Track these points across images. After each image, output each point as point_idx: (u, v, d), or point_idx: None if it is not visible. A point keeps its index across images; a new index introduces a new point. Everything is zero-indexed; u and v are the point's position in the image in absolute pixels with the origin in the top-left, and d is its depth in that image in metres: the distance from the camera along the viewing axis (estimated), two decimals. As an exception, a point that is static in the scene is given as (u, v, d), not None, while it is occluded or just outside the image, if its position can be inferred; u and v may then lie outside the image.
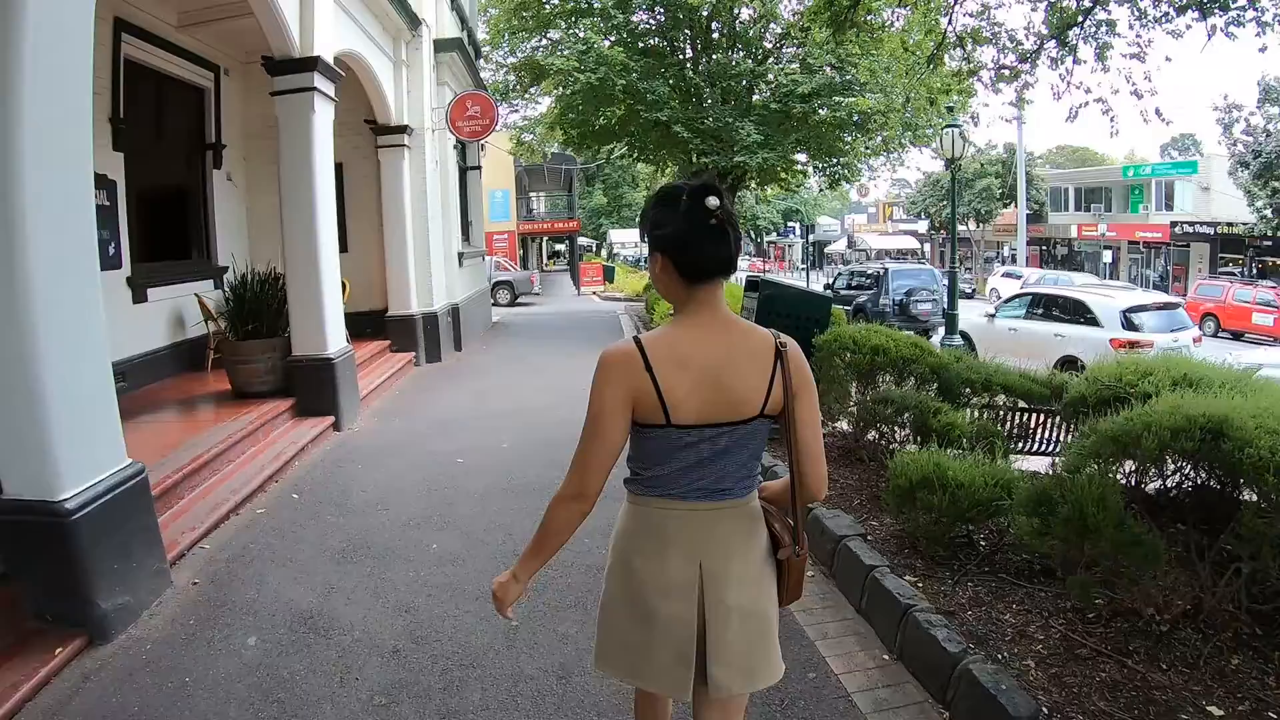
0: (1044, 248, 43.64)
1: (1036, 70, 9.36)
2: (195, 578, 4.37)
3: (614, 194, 58.82)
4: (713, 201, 1.78)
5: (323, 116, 7.42)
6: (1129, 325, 12.00)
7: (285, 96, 7.21)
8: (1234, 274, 31.82)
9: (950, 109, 16.82)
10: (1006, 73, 9.52)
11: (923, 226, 52.53)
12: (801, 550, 1.94)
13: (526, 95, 21.20)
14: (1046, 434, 6.20)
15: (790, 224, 61.05)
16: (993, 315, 14.69)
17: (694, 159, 16.74)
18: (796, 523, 1.94)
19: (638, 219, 3.23)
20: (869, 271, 21.67)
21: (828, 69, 16.23)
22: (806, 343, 5.94)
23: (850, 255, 57.37)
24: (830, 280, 25.40)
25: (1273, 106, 25.20)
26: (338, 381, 7.44)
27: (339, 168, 9.75)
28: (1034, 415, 6.22)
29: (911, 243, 55.00)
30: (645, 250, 49.15)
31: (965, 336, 14.48)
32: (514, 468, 6.35)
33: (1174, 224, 35.08)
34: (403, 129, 10.97)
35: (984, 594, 3.73)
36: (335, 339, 7.59)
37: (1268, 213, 27.77)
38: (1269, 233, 28.78)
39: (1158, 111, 8.53)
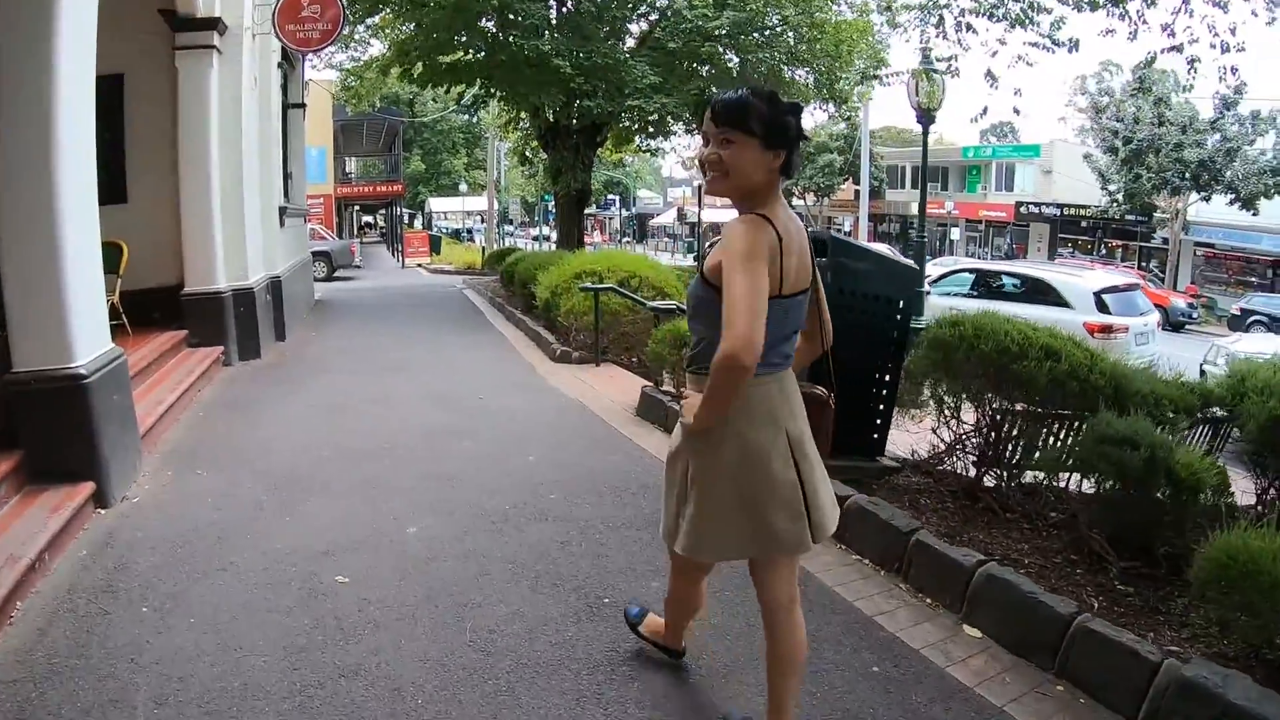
0: (877, 224, 44.44)
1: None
2: None
3: (432, 160, 54.70)
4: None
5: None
6: (1103, 308, 10.93)
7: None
8: (1072, 254, 33.61)
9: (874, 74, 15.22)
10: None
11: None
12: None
13: (354, 39, 17.60)
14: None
15: (610, 196, 59.05)
16: (924, 293, 13.05)
17: (576, 102, 13.87)
18: (831, 374, 2.38)
19: (756, 112, 1.97)
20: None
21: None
22: (886, 335, 4.73)
23: (678, 229, 57.39)
24: (697, 255, 23.47)
25: (1142, 98, 25.81)
26: (95, 414, 4.19)
27: (115, 80, 7.69)
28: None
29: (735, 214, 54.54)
30: (473, 220, 46.39)
31: None
32: (459, 594, 3.40)
33: (1019, 204, 36.99)
34: (212, 23, 7.59)
35: None
36: (90, 339, 4.36)
37: (1120, 196, 28.74)
38: (1120, 215, 30.02)
39: (1234, 69, 7.22)
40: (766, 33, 14.16)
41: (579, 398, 7.24)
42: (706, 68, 14.98)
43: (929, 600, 3.46)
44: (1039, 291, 11.38)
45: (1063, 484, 4.23)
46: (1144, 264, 32.18)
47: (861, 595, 3.52)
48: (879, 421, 4.91)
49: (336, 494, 4.54)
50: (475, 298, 16.33)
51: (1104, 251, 34.30)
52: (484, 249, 29.59)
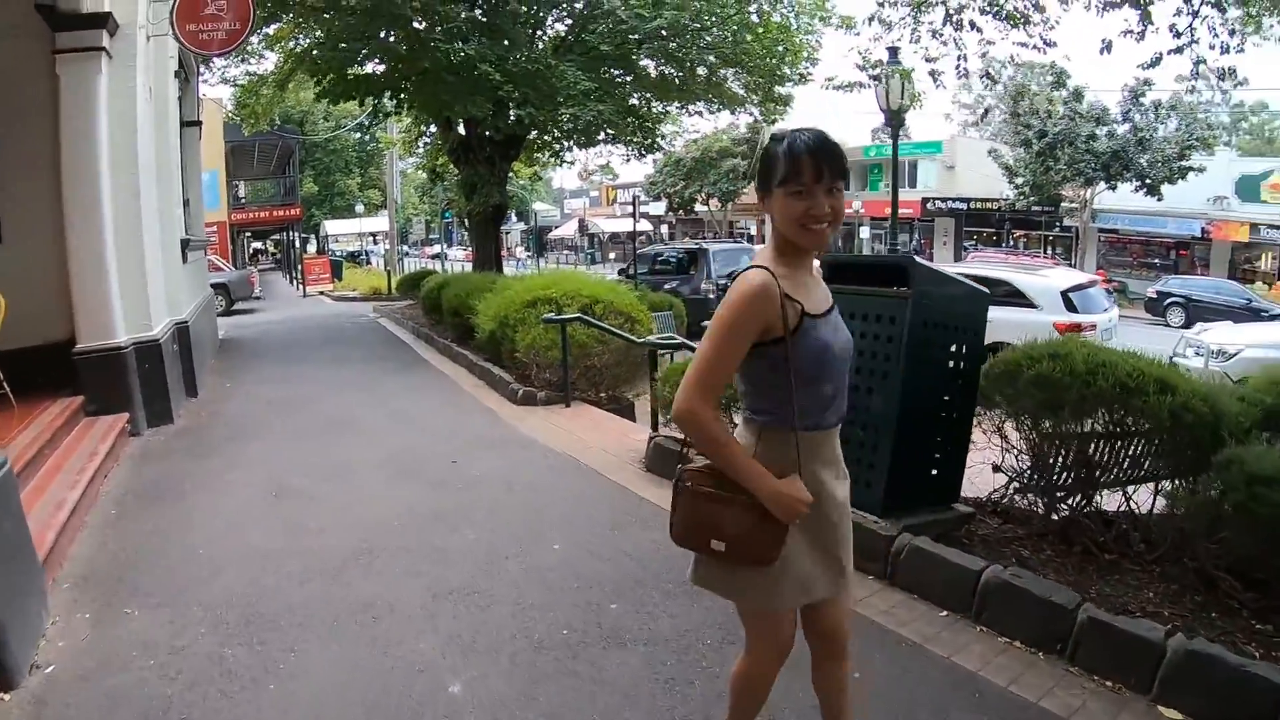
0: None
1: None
2: None
3: (325, 181, 52.18)
4: None
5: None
6: (1070, 306, 10.57)
7: None
8: (976, 246, 34.48)
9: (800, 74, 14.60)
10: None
11: (659, 208, 51.96)
12: None
13: (249, 50, 15.99)
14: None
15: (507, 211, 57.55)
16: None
17: (508, 110, 12.69)
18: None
19: (841, 156, 1.87)
20: (676, 253, 18.68)
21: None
22: (960, 369, 4.20)
23: (578, 240, 57.17)
24: (626, 265, 22.59)
25: (1058, 91, 26.42)
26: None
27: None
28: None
29: (645, 225, 54.31)
30: (365, 242, 44.63)
31: None
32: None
33: (925, 200, 37.33)
34: (101, 20, 6.25)
35: None
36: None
37: (1026, 189, 29.29)
38: (1027, 207, 30.66)
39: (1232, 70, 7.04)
40: (707, 35, 13.31)
41: (567, 451, 6.16)
42: (638, 70, 14.10)
43: (1109, 683, 2.96)
44: (1006, 294, 10.70)
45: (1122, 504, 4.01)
46: (1048, 252, 33.03)
47: (1040, 690, 2.91)
48: (952, 465, 4.30)
49: (325, 634, 3.33)
50: (395, 328, 14.96)
51: (1011, 242, 35.07)
52: (389, 272, 27.85)
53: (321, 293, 27.49)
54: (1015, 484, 4.28)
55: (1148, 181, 26.69)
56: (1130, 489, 4.00)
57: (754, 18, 13.72)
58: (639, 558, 4.09)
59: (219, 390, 8.91)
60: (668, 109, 16.64)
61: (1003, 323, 10.27)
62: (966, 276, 11.32)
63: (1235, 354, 9.86)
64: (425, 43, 12.17)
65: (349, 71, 13.56)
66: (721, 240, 27.34)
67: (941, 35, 8.48)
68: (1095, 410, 3.77)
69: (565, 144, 16.55)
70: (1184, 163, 26.34)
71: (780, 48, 13.93)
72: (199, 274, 11.17)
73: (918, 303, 3.96)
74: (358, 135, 51.62)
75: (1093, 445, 3.87)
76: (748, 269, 1.92)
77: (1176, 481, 3.79)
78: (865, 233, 40.75)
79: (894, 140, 10.90)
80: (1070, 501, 4.03)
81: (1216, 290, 23.55)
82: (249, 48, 16.01)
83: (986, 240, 36.54)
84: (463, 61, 12.06)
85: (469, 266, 33.06)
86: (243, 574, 3.92)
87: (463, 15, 11.83)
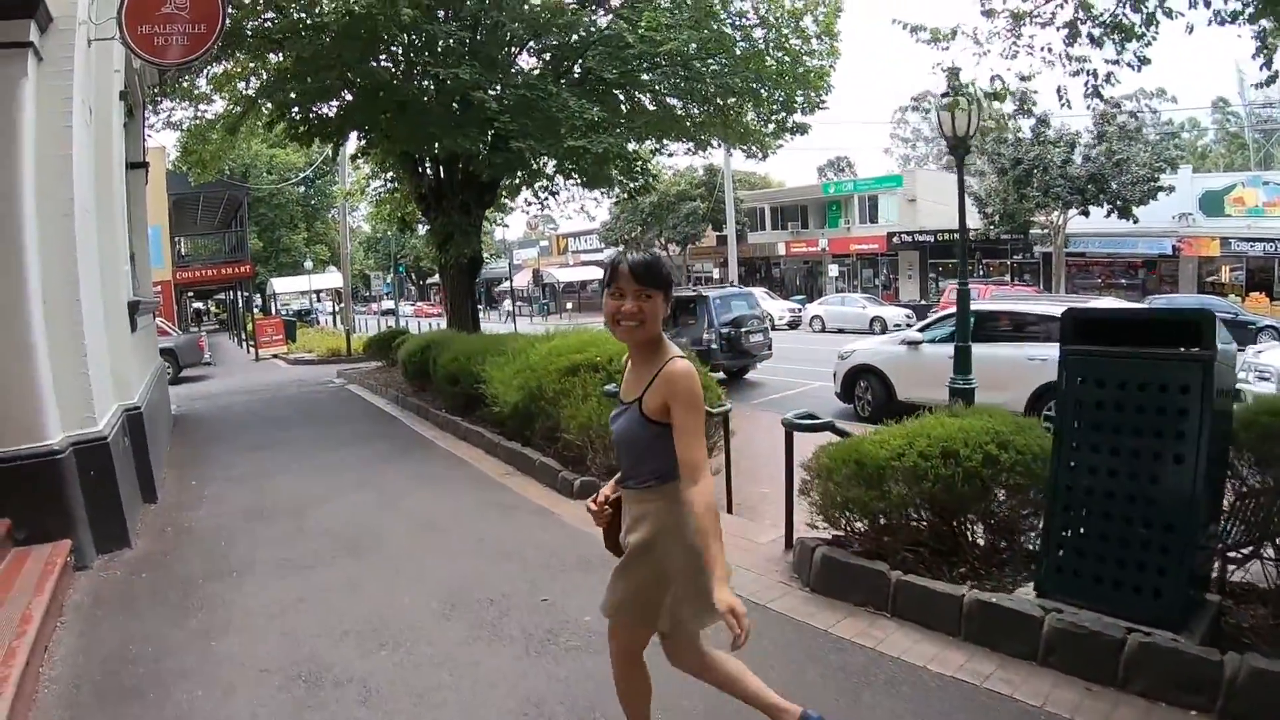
0: (743, 268, 43.79)
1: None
2: None
3: (270, 237, 49.91)
4: None
5: None
6: None
7: None
8: (936, 280, 35.00)
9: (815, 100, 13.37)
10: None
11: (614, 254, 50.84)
12: None
13: (195, 92, 14.17)
14: None
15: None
16: (916, 342, 11.19)
17: (506, 144, 11.01)
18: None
19: (664, 271, 2.39)
20: (676, 299, 17.24)
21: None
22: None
23: (531, 290, 56.75)
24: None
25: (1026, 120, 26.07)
26: None
27: None
28: None
29: (599, 273, 53.45)
30: (320, 299, 42.86)
31: (872, 371, 11.38)
32: None
33: (890, 234, 37.42)
34: (29, 8, 4.57)
35: None
36: None
37: (996, 218, 29.27)
38: (997, 236, 30.82)
39: None
40: (722, 59, 11.98)
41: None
42: (647, 98, 12.71)
43: None
44: (1054, 330, 9.82)
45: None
46: (1018, 279, 33.20)
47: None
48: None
49: None
50: (373, 397, 13.14)
51: (984, 273, 34.81)
52: (347, 331, 25.83)
53: (275, 356, 25.51)
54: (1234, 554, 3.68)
55: (1118, 204, 26.53)
56: None
57: (761, 45, 12.47)
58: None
59: (183, 490, 7.06)
60: (659, 146, 15.24)
61: (1057, 361, 9.34)
62: (1015, 317, 10.01)
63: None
64: (412, 66, 10.59)
65: (312, 108, 11.91)
66: (720, 286, 26.02)
67: (1050, 52, 7.30)
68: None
69: (561, 184, 15.02)
70: (1155, 183, 26.33)
71: (800, 70, 12.66)
72: (149, 343, 9.33)
73: (1216, 368, 3.24)
74: (302, 189, 49.70)
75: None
76: (677, 360, 2.30)
77: None
78: (834, 270, 40.30)
79: (959, 171, 9.50)
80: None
81: (1203, 305, 23.18)
82: (195, 90, 14.21)
83: (952, 273, 35.96)
84: (452, 87, 10.51)
85: (430, 323, 31.37)
86: None
87: (454, 33, 10.24)
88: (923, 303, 33.25)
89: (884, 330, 27.04)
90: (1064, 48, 7.28)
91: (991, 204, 29.36)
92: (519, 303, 55.70)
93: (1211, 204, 30.18)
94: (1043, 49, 7.38)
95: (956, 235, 31.84)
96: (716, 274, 46.39)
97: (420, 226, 19.59)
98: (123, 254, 6.94)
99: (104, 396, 5.64)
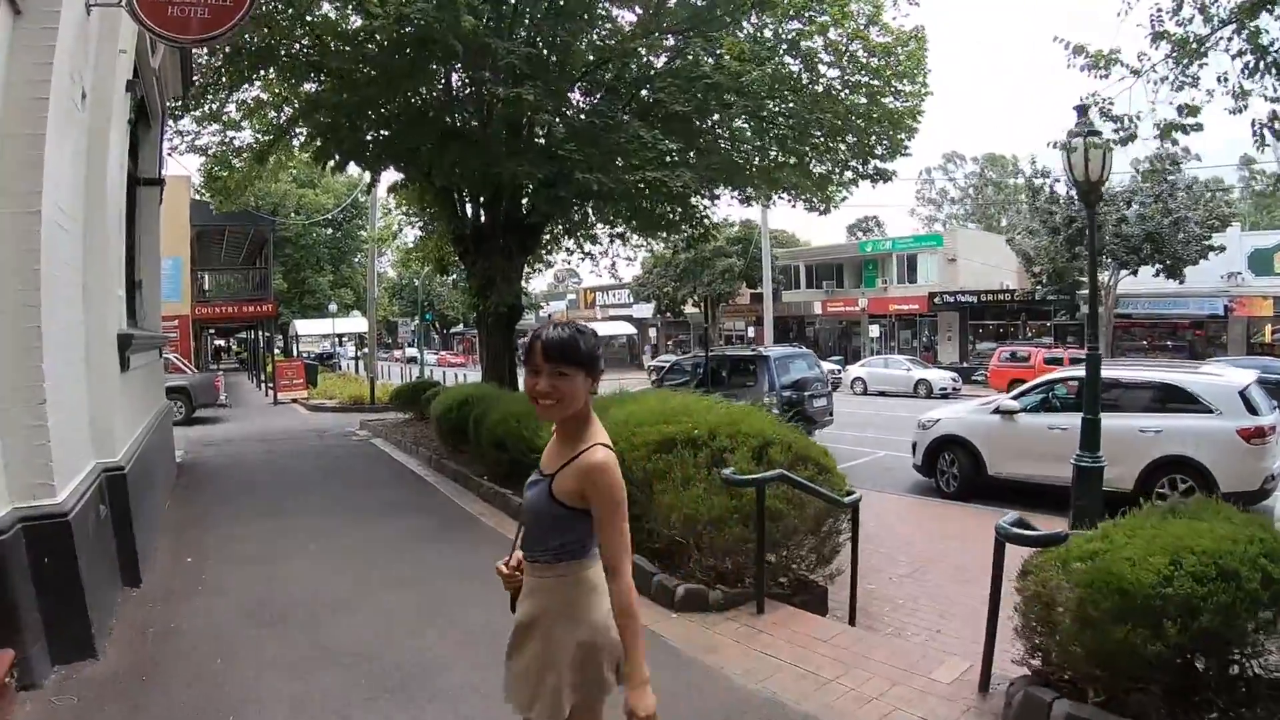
0: (777, 328, 42.62)
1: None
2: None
3: (295, 277, 49.08)
4: None
5: None
6: (1251, 408, 8.83)
7: None
8: (973, 342, 34.60)
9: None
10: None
11: (644, 310, 49.97)
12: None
13: (225, 120, 13.04)
14: None
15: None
16: (1011, 411, 10.10)
17: (574, 177, 9.72)
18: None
19: (584, 348, 2.19)
20: (731, 360, 15.83)
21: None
22: None
23: None
24: (660, 369, 20.12)
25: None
26: None
27: None
28: None
29: (628, 328, 52.67)
30: (340, 343, 42.09)
31: (959, 442, 10.42)
32: None
33: (932, 295, 36.33)
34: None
35: None
36: None
37: (1044, 278, 28.80)
38: (1043, 297, 29.94)
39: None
40: (803, 97, 10.82)
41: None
42: (719, 131, 11.52)
43: None
44: (1171, 397, 9.40)
45: None
46: (1062, 341, 31.72)
47: None
48: None
49: None
50: (401, 455, 11.75)
51: (1029, 335, 33.72)
52: (371, 379, 24.54)
53: (295, 400, 24.33)
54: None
55: (1169, 263, 25.64)
56: None
57: (839, 86, 11.30)
58: None
59: (175, 569, 5.67)
60: (714, 195, 13.89)
61: (1174, 431, 9.00)
62: (1120, 384, 8.30)
63: None
64: (463, 88, 9.45)
65: (350, 124, 10.76)
66: (781, 345, 24.81)
67: (1223, 83, 6.12)
68: None
69: (601, 231, 13.91)
70: (1208, 242, 25.52)
71: (879, 111, 11.46)
72: (148, 384, 8.01)
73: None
74: (330, 231, 49.07)
75: None
76: (598, 448, 2.11)
77: None
78: (874, 330, 38.98)
79: (1090, 220, 8.10)
80: None
81: (1265, 368, 21.87)
82: (225, 115, 13.12)
83: (993, 334, 35.40)
84: (508, 112, 9.35)
85: (456, 373, 30.10)
86: None
87: (517, 49, 9.04)
88: (964, 365, 32.14)
89: (929, 394, 25.74)
90: (1238, 80, 6.10)
91: (1040, 262, 28.61)
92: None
93: (1261, 262, 29.11)
94: (1218, 79, 6.19)
95: (999, 296, 31.14)
96: (751, 333, 45.03)
97: (455, 269, 18.48)
98: (115, 277, 5.66)
99: (73, 455, 4.33)
